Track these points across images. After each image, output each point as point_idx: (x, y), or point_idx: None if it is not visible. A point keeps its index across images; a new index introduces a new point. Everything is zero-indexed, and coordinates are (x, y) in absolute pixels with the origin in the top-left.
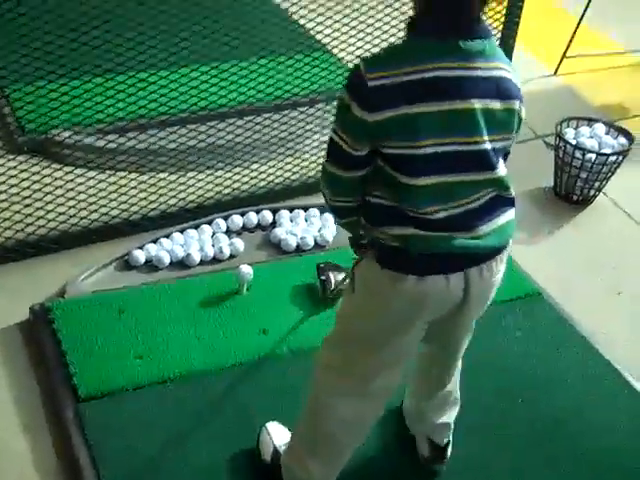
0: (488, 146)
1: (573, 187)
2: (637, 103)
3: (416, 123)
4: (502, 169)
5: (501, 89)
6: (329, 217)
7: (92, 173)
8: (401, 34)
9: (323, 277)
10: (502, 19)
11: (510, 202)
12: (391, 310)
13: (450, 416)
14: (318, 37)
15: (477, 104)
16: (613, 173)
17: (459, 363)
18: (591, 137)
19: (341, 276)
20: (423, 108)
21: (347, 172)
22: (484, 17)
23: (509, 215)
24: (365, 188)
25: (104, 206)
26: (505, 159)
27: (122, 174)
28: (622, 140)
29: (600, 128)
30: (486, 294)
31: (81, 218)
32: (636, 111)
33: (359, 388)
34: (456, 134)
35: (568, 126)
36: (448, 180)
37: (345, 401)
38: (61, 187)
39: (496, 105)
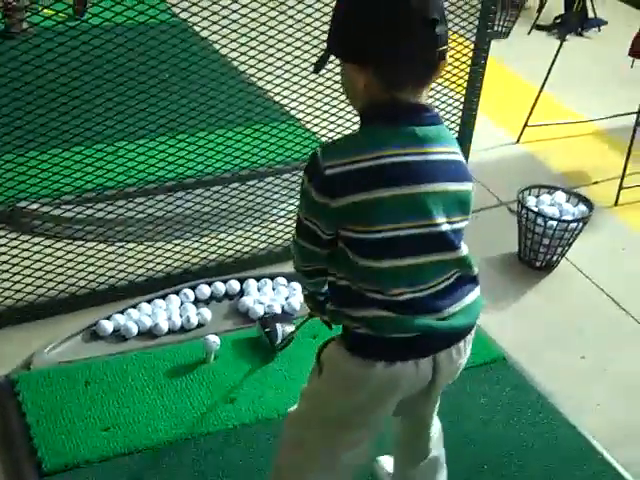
0: (447, 227)
1: (536, 253)
2: (596, 170)
3: (374, 209)
4: (464, 248)
5: (456, 172)
6: (297, 286)
7: (59, 244)
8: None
9: (269, 329)
10: (463, 91)
11: (474, 280)
12: (360, 394)
13: None
14: (284, 108)
15: (434, 187)
16: (574, 239)
17: (435, 428)
18: (552, 205)
19: (289, 327)
20: (380, 194)
21: (323, 249)
22: (432, 101)
23: (475, 293)
24: (330, 269)
25: (71, 277)
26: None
27: (90, 245)
28: (582, 207)
29: (560, 196)
30: (454, 373)
31: (48, 289)
32: (595, 178)
33: (327, 463)
34: (413, 218)
35: (530, 194)
36: (410, 263)
37: (313, 477)
38: (28, 258)
39: (453, 187)
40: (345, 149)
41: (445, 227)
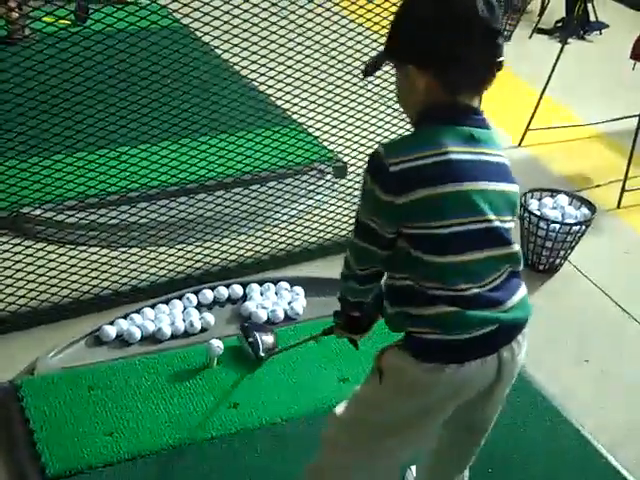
0: (499, 224)
1: (539, 256)
2: (598, 174)
3: (438, 204)
4: (516, 245)
5: (506, 174)
6: (299, 290)
7: (63, 250)
8: (369, 110)
9: (251, 339)
10: None
11: (520, 276)
12: (428, 399)
13: None
14: (286, 113)
15: (489, 186)
16: (577, 242)
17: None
18: (554, 208)
19: (269, 338)
20: (444, 189)
21: (382, 250)
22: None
23: (524, 289)
24: (388, 272)
25: (74, 282)
26: None
27: (93, 250)
28: (585, 210)
29: (563, 199)
30: (515, 370)
31: (52, 294)
32: (597, 181)
33: (373, 463)
34: (473, 214)
35: (532, 197)
36: (471, 258)
37: (356, 476)
38: (32, 264)
39: (504, 187)
40: (408, 146)
41: (498, 223)
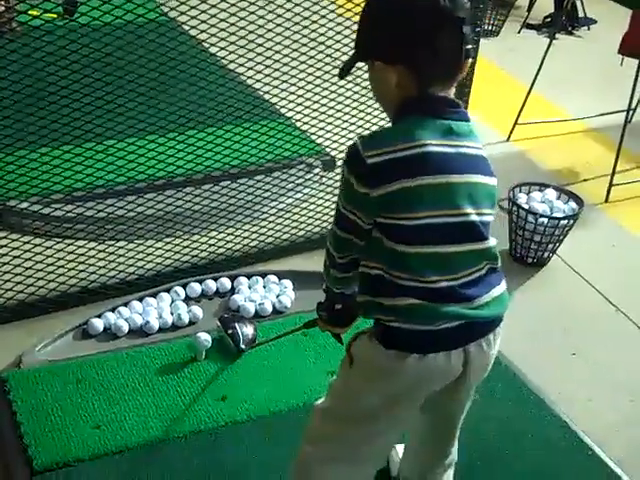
0: (477, 218)
1: (527, 250)
2: (586, 168)
3: (414, 196)
4: (492, 240)
5: (484, 167)
6: (288, 283)
7: (50, 242)
8: (356, 104)
9: (230, 331)
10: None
11: (500, 273)
12: (393, 387)
13: (449, 476)
14: (274, 107)
15: (466, 179)
16: (565, 236)
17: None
18: (542, 202)
19: (249, 329)
20: (420, 181)
21: (360, 239)
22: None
23: (502, 286)
24: (363, 260)
25: (62, 275)
26: None
27: (80, 243)
28: (573, 204)
29: (551, 193)
30: (485, 367)
31: (38, 287)
32: (585, 176)
33: (352, 455)
34: (449, 206)
35: (520, 191)
36: (444, 250)
37: (336, 468)
38: (18, 257)
39: (482, 180)
40: (385, 139)
41: (475, 217)
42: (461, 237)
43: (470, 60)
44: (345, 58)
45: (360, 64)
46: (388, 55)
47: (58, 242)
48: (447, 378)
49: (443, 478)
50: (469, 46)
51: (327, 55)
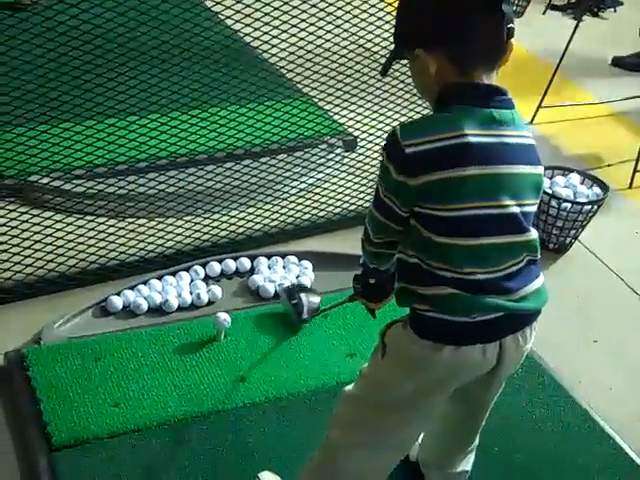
0: (517, 209)
1: (549, 235)
2: (610, 153)
3: (453, 187)
4: (533, 232)
5: (530, 156)
6: (307, 264)
7: (70, 219)
8: (380, 84)
9: (295, 301)
10: None
11: (539, 265)
12: (425, 377)
13: (469, 463)
14: (297, 86)
15: (510, 169)
16: (588, 222)
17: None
18: (566, 187)
19: (315, 298)
20: (460, 172)
21: (397, 225)
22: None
23: (541, 279)
24: (400, 247)
25: (82, 252)
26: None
27: (100, 220)
28: (597, 190)
29: (575, 178)
30: (518, 360)
31: (58, 264)
32: (609, 161)
33: (379, 442)
34: (489, 198)
35: (544, 175)
36: (482, 242)
37: (361, 454)
38: (39, 232)
39: (527, 170)
40: (425, 128)
41: (516, 209)
42: (501, 229)
43: (512, 40)
44: (370, 37)
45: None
46: (426, 41)
47: (79, 218)
48: (480, 370)
49: (462, 464)
50: (510, 25)
51: (352, 34)
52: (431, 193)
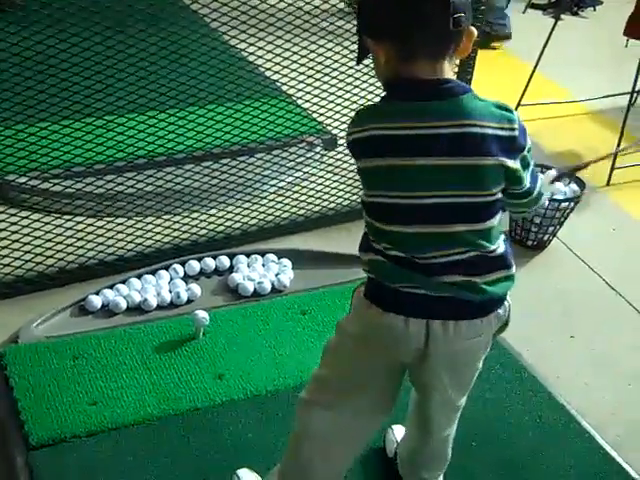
0: (435, 201)
1: (528, 232)
2: (589, 150)
3: (366, 175)
4: (464, 226)
5: (463, 146)
6: (287, 262)
7: (48, 218)
8: (358, 82)
9: None
10: (455, 69)
11: (493, 261)
12: (360, 329)
13: (432, 474)
14: (275, 84)
15: (436, 161)
16: (566, 219)
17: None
18: None
19: None
20: (377, 162)
21: None
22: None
23: (486, 277)
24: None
25: (60, 251)
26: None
27: (79, 219)
28: (574, 187)
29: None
30: (452, 355)
31: (36, 263)
32: (588, 158)
33: (333, 402)
34: (397, 188)
35: None
36: (393, 229)
37: (320, 413)
38: (17, 232)
39: (455, 162)
40: (362, 118)
41: (432, 200)
42: (411, 219)
43: (475, 34)
44: (347, 35)
45: None
46: (371, 31)
47: (56, 218)
48: (408, 345)
49: (428, 467)
50: (459, 15)
51: (329, 32)
52: (362, 176)
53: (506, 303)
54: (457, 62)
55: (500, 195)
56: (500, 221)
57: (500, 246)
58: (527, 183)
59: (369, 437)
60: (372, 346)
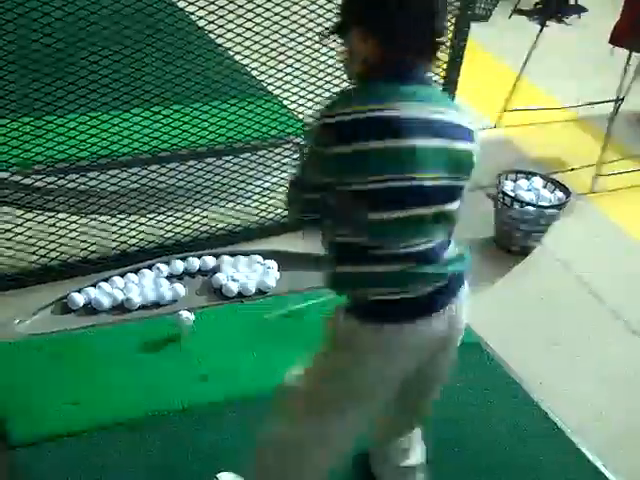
0: (430, 183)
1: (512, 238)
2: (573, 157)
3: (364, 159)
4: (451, 205)
5: (452, 131)
6: (271, 263)
7: (30, 214)
8: (346, 84)
9: None
10: (442, 73)
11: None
12: (378, 360)
13: (416, 456)
14: (261, 84)
15: (428, 142)
16: (550, 225)
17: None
18: (529, 190)
19: None
20: (372, 145)
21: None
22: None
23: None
24: (331, 228)
25: (42, 248)
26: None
27: (62, 216)
28: (559, 194)
29: (538, 181)
30: (461, 325)
31: (19, 260)
32: (572, 165)
33: (328, 432)
34: (398, 170)
35: (507, 178)
36: (399, 215)
37: (312, 448)
38: None
39: (443, 144)
40: (343, 101)
41: (430, 182)
42: (412, 201)
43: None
44: (336, 37)
45: None
46: (358, 20)
47: (39, 214)
48: (431, 343)
49: (410, 455)
50: (441, 20)
51: (317, 34)
52: (346, 164)
53: None
54: (444, 67)
55: None
56: None
57: None
58: None
59: None
60: (396, 365)
